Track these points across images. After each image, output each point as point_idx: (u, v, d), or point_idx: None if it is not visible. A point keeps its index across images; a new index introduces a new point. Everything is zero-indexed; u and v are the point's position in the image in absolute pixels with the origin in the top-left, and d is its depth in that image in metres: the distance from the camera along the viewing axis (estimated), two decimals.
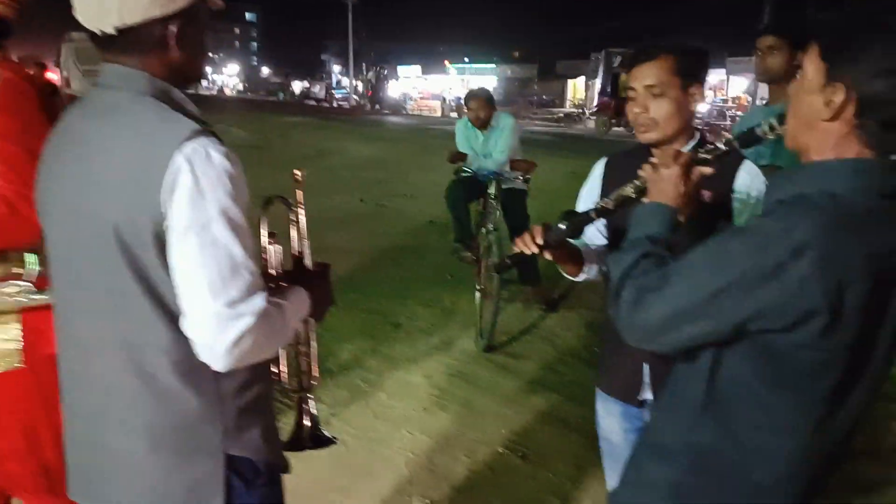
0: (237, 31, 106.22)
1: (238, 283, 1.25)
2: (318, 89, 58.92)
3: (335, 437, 1.97)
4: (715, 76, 40.51)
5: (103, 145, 1.28)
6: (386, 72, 47.05)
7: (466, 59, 55.76)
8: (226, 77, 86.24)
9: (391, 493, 3.23)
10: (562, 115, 41.36)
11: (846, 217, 1.15)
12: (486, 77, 51.62)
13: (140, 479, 1.37)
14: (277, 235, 1.77)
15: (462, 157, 5.69)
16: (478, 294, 5.27)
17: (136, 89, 1.31)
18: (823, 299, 1.13)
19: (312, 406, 1.95)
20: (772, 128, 1.42)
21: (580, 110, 41.53)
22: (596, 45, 48.02)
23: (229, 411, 1.38)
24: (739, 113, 32.08)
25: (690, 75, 1.96)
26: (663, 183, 1.51)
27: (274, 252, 1.73)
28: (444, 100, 45.14)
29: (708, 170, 1.54)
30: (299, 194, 1.78)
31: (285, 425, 1.84)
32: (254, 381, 1.43)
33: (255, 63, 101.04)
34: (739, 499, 1.36)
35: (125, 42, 1.31)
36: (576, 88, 50.58)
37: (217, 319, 1.23)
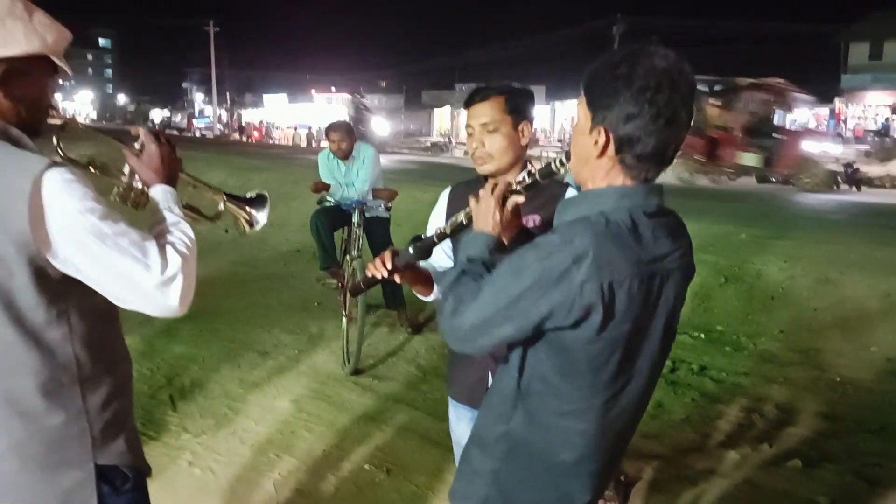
0: (89, 56, 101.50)
1: (152, 253, 1.39)
2: (179, 118, 57.20)
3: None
4: (573, 106, 42.53)
5: None
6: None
7: (333, 88, 55.85)
8: (77, 105, 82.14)
9: None
10: (429, 144, 42.11)
11: (616, 231, 1.41)
12: None
13: (13, 497, 1.44)
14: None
15: (325, 186, 5.84)
16: (344, 320, 5.40)
17: None
18: (598, 297, 1.37)
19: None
20: (561, 163, 1.68)
21: (446, 139, 42.43)
22: (460, 76, 49.41)
23: (96, 424, 1.48)
24: None
25: (520, 114, 2.22)
26: (482, 213, 1.73)
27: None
28: (309, 129, 44.57)
29: (521, 198, 1.77)
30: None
31: None
32: (118, 393, 1.54)
33: (111, 90, 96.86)
34: (549, 479, 1.58)
35: None
36: (441, 118, 51.69)
37: (160, 290, 1.38)
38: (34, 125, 1.51)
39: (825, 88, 35.10)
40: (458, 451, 2.44)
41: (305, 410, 4.44)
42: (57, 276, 1.39)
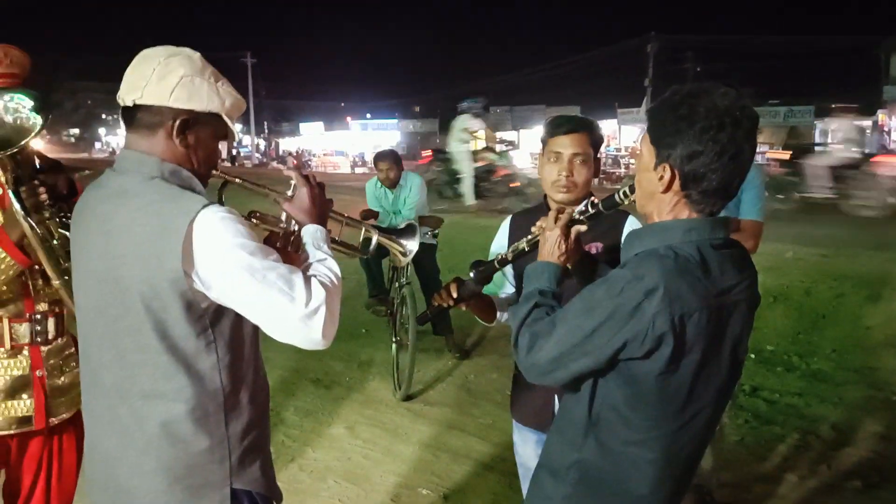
0: None
1: (298, 286, 1.48)
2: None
3: None
4: (607, 126, 42.47)
5: (123, 224, 1.49)
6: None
7: (368, 115, 56.45)
8: (121, 138, 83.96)
9: None
10: None
11: (684, 265, 1.46)
12: (389, 132, 52.31)
13: None
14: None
15: (373, 214, 5.95)
16: (394, 346, 5.48)
17: (147, 173, 1.55)
18: (670, 329, 1.42)
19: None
20: (625, 195, 1.73)
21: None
22: (494, 99, 49.57)
23: (235, 450, 1.59)
24: (632, 161, 33.67)
25: (597, 149, 2.32)
26: (548, 244, 1.79)
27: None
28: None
29: (583, 228, 1.83)
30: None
31: None
32: (257, 421, 1.65)
33: None
34: None
35: (137, 118, 1.57)
36: (476, 141, 51.87)
37: (303, 322, 1.46)
38: (201, 176, 1.65)
39: (867, 100, 34.56)
40: (522, 474, 2.49)
41: (361, 437, 4.52)
42: (205, 311, 1.51)
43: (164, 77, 1.54)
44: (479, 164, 13.76)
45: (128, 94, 1.56)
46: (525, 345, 1.58)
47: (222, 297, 1.49)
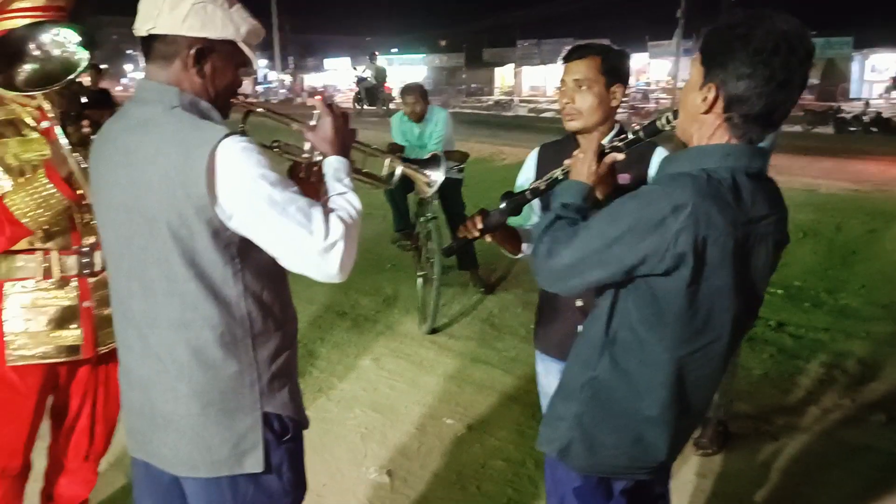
0: None
1: (316, 220, 1.48)
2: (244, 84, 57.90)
3: None
4: (637, 60, 41.53)
5: (147, 154, 1.50)
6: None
7: (394, 50, 55.74)
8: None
9: (348, 465, 3.47)
10: (492, 102, 41.70)
11: (716, 188, 1.45)
12: (415, 67, 51.62)
13: (192, 436, 1.60)
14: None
15: (399, 148, 5.93)
16: (419, 280, 5.52)
17: (168, 103, 1.55)
18: (691, 249, 1.42)
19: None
20: (668, 121, 1.71)
21: (510, 97, 41.97)
22: (522, 33, 48.62)
23: (264, 374, 1.62)
24: (663, 95, 32.96)
25: (614, 75, 2.25)
26: (580, 164, 1.79)
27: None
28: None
29: (620, 155, 1.82)
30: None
31: None
32: (285, 348, 1.68)
33: None
34: (628, 423, 1.65)
35: (153, 47, 1.57)
36: (503, 76, 51.07)
37: (321, 255, 1.47)
38: (221, 106, 1.65)
39: None
40: (545, 403, 2.51)
41: (386, 368, 4.60)
42: (231, 239, 1.53)
43: (176, 5, 1.53)
44: None
45: (142, 25, 1.56)
46: (545, 251, 1.59)
47: (241, 227, 1.50)
